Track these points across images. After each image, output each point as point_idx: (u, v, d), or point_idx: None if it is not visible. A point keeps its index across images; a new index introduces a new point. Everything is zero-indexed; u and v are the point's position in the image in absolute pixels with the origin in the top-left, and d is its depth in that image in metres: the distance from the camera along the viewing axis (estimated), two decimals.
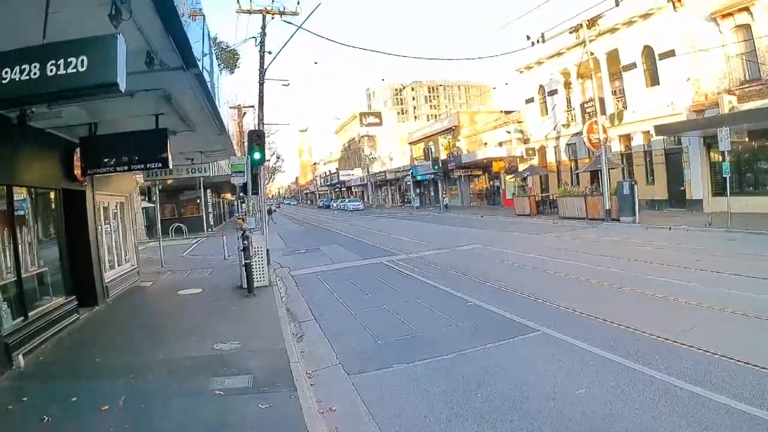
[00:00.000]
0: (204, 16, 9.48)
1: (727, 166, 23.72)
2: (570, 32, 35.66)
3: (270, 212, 62.70)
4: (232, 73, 33.35)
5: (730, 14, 28.19)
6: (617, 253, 18.47)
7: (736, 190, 26.71)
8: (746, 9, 27.28)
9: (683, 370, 7.17)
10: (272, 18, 25.39)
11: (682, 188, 32.27)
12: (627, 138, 36.55)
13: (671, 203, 33.18)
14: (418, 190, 76.98)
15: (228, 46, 35.04)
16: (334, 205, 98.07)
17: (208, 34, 10.65)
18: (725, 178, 23.86)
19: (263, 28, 25.35)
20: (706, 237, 21.68)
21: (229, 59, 37.75)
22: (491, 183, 59.11)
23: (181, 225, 39.42)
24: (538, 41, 36.31)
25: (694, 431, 5.62)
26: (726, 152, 23.75)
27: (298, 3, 24.92)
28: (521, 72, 46.52)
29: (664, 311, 10.44)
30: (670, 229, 24.84)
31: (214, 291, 16.38)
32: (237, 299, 14.77)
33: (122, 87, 5.74)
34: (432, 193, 71.47)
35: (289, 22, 24.99)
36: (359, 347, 9.83)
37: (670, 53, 31.72)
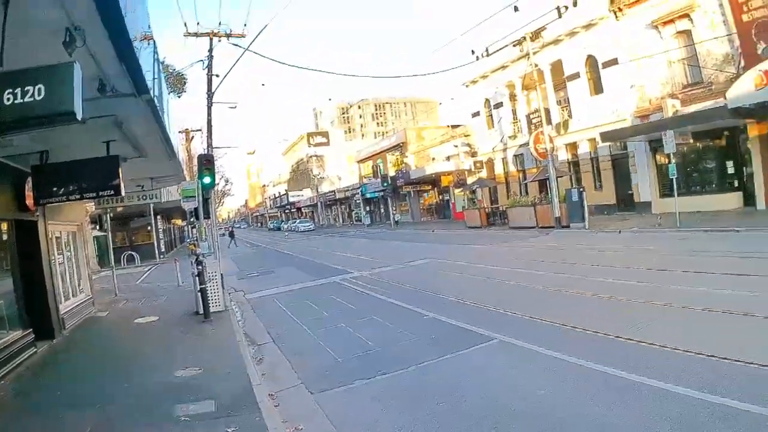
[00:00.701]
0: (154, 40, 9.21)
1: (673, 167, 24.19)
2: (514, 45, 35.50)
3: (232, 235, 61.94)
4: (180, 97, 32.46)
5: (671, 21, 28.66)
6: (570, 259, 18.49)
7: (683, 191, 27.22)
8: (686, 15, 27.77)
9: (638, 366, 7.23)
10: (219, 41, 24.96)
11: (630, 192, 32.52)
12: (573, 146, 36.76)
13: (620, 207, 33.32)
14: (368, 208, 76.56)
15: (175, 70, 34.24)
16: (285, 226, 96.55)
17: (158, 59, 10.38)
18: (672, 179, 24.24)
19: (210, 50, 24.95)
20: (657, 237, 21.76)
21: (177, 83, 36.83)
22: (441, 197, 58.79)
23: (133, 253, 38.11)
24: (482, 55, 36.39)
25: (651, 419, 5.74)
26: (672, 154, 24.16)
27: (245, 25, 24.74)
28: (467, 86, 46.62)
29: (621, 312, 10.48)
30: (620, 232, 24.86)
31: (170, 318, 15.84)
32: (194, 325, 14.33)
33: (79, 116, 5.75)
34: (382, 210, 71.08)
35: (237, 45, 24.58)
36: (320, 366, 9.62)
37: (613, 61, 32.07)
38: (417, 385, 7.86)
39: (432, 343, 9.90)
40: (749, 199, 26.38)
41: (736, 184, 27.36)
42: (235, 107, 32.66)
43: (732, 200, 27.00)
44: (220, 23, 24.37)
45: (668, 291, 11.35)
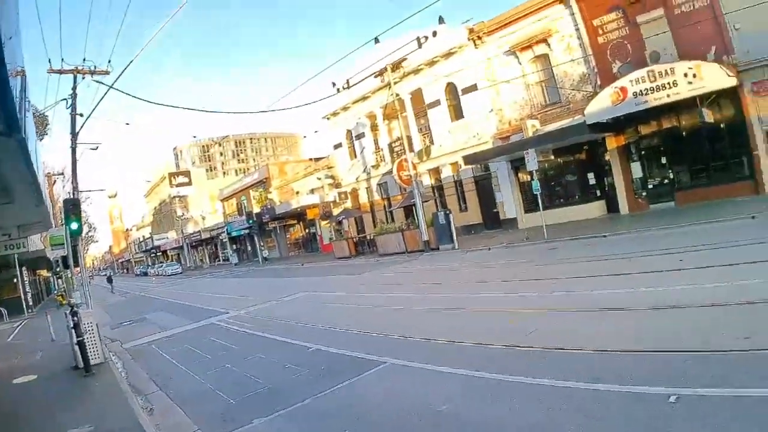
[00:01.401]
0: (26, 75, 7.77)
1: (536, 183, 23.70)
2: (375, 76, 34.18)
3: (110, 280, 56.60)
4: (41, 139, 28.11)
5: (529, 47, 28.73)
6: (443, 279, 18.24)
7: (548, 204, 26.97)
8: (544, 40, 28.01)
9: (529, 369, 7.18)
10: (83, 78, 21.83)
11: (496, 210, 31.98)
12: (437, 171, 35.56)
13: (487, 225, 32.67)
14: (235, 246, 72.02)
15: (37, 110, 29.70)
16: (152, 271, 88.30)
17: (28, 96, 8.48)
18: (536, 195, 23.94)
19: (74, 88, 21.77)
20: (527, 251, 21.19)
21: (39, 124, 32.12)
22: (307, 230, 56.07)
23: (1, 309, 32.69)
24: (343, 88, 34.69)
25: (540, 412, 5.79)
26: (534, 171, 23.77)
27: (109, 61, 21.50)
28: (328, 119, 44.10)
29: (502, 323, 10.22)
30: (489, 249, 24.03)
31: (50, 375, 13.43)
32: (77, 380, 12.21)
33: None
34: (249, 248, 67.31)
35: (100, 82, 21.51)
36: (214, 409, 8.47)
37: (473, 87, 31.36)
38: (317, 416, 7.31)
39: (323, 374, 9.12)
40: (613, 207, 26.80)
41: (598, 193, 27.78)
42: (97, 148, 28.60)
43: (596, 209, 27.45)
44: (84, 59, 21.26)
45: (545, 298, 11.42)
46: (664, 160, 25.18)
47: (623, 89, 22.45)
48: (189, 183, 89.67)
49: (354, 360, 9.59)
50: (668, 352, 6.76)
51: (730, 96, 22.22)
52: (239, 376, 10.27)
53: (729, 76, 20.80)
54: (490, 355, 8.19)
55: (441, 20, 32.96)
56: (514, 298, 12.16)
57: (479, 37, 30.71)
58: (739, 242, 13.09)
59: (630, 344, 7.26)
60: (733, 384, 5.37)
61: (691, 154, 24.10)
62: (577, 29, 26.51)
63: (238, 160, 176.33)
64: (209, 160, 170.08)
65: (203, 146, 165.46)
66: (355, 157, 43.21)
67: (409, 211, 35.25)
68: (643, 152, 25.72)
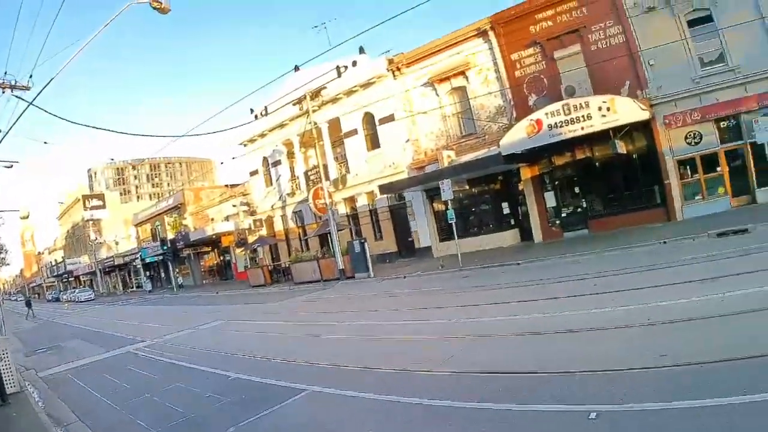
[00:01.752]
0: None
1: (451, 212, 23.02)
2: (294, 104, 32.34)
3: (29, 304, 50.94)
4: None
5: (447, 79, 27.93)
6: (360, 307, 17.79)
7: (462, 233, 25.78)
8: (462, 73, 27.40)
9: (451, 393, 7.02)
10: (2, 92, 19.08)
11: (411, 239, 30.58)
12: (352, 200, 33.65)
13: (402, 254, 31.11)
14: (148, 273, 66.35)
15: None
16: (65, 297, 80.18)
17: None
18: (451, 223, 23.23)
19: None
20: (442, 279, 20.55)
21: None
22: (222, 258, 52.66)
23: None
24: (261, 114, 32.71)
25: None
26: (449, 201, 23.07)
27: (31, 77, 18.69)
28: (245, 145, 41.12)
29: (418, 349, 10.11)
30: (404, 277, 22.95)
31: None
32: None
33: None
34: (163, 275, 62.53)
35: (20, 98, 18.83)
36: None
37: (390, 118, 29.89)
38: None
39: (244, 402, 8.65)
40: (527, 235, 26.32)
41: (512, 222, 27.30)
42: (12, 166, 25.23)
43: (510, 237, 26.82)
44: (6, 72, 18.45)
45: (463, 325, 11.26)
46: (577, 190, 25.00)
47: (538, 122, 21.93)
48: (103, 206, 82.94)
49: (274, 388, 9.12)
50: (586, 372, 6.70)
51: (644, 128, 22.43)
52: (160, 405, 9.62)
53: (642, 109, 20.91)
54: (409, 381, 8.03)
55: (361, 50, 31.46)
56: (432, 325, 11.95)
57: (398, 68, 29.47)
58: (653, 266, 13.34)
59: (549, 366, 7.17)
60: (652, 399, 5.45)
61: (605, 184, 24.21)
62: (495, 63, 26.07)
63: (153, 184, 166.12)
64: (124, 183, 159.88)
65: (118, 169, 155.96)
66: (271, 184, 40.55)
67: (324, 239, 33.36)
68: (556, 182, 25.42)
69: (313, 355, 11.14)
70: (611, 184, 23.92)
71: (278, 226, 40.82)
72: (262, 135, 39.12)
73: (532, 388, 6.61)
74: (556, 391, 6.31)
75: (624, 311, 9.41)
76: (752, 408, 4.86)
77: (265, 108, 32.32)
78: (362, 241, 27.16)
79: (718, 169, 21.84)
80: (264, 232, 42.07)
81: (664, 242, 17.24)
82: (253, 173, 42.32)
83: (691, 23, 21.77)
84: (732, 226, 16.79)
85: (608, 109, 20.55)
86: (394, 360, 9.25)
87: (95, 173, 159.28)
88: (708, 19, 21.42)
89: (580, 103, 21.11)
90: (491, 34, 25.97)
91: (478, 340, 9.73)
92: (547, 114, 21.82)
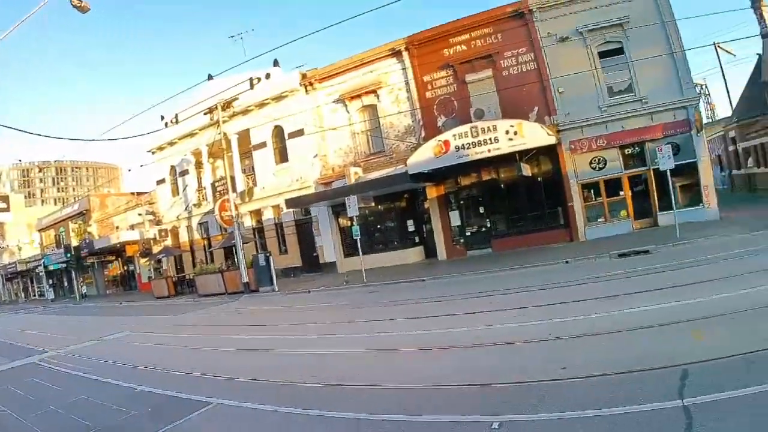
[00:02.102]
0: None
1: (356, 228, 22.14)
2: (205, 113, 30.16)
3: None
4: None
5: (358, 96, 26.76)
6: (265, 321, 17.05)
7: (367, 249, 24.75)
8: (373, 92, 26.41)
9: (353, 405, 6.75)
10: None
11: (316, 254, 28.77)
12: (258, 213, 31.43)
13: (306, 269, 29.20)
14: (51, 281, 59.57)
15: None
16: None
17: None
18: (356, 239, 22.21)
19: None
20: (348, 294, 19.71)
21: None
22: (126, 268, 48.45)
23: None
24: (172, 122, 30.45)
25: None
26: (355, 217, 21.99)
27: None
28: (153, 153, 37.82)
29: (322, 363, 9.66)
30: (309, 292, 21.81)
31: None
32: None
33: None
34: (66, 283, 56.55)
35: None
36: None
37: (300, 132, 28.08)
38: None
39: (151, 415, 7.94)
40: (431, 253, 25.58)
41: (417, 240, 26.51)
42: None
43: (415, 254, 26.03)
44: None
45: (368, 339, 10.90)
46: (482, 210, 24.55)
47: (446, 142, 21.40)
48: (7, 209, 75.64)
49: (180, 401, 8.55)
50: (492, 384, 6.63)
51: (550, 153, 22.19)
52: (65, 418, 8.80)
53: (549, 134, 20.70)
54: (311, 392, 7.74)
55: (276, 63, 29.48)
56: (337, 340, 11.49)
57: (311, 84, 27.81)
58: (553, 284, 13.30)
59: (453, 379, 7.02)
60: (551, 410, 5.44)
61: (510, 205, 23.87)
62: (407, 83, 25.23)
63: (59, 189, 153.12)
64: (29, 186, 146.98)
65: (24, 170, 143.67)
66: (178, 194, 37.41)
67: (229, 252, 30.97)
68: (462, 202, 24.92)
69: (217, 367, 10.61)
70: (516, 205, 23.64)
71: (183, 237, 37.78)
72: (171, 143, 36.11)
73: (433, 400, 6.52)
74: (457, 402, 6.30)
75: (526, 327, 9.33)
76: (631, 418, 5.00)
77: (176, 116, 30.08)
78: (267, 254, 25.47)
79: (621, 193, 22.11)
80: (169, 242, 38.79)
81: (566, 262, 17.09)
82: (160, 182, 39.18)
83: (603, 54, 22.15)
84: (633, 247, 16.92)
85: (515, 133, 20.37)
86: (299, 373, 8.85)
87: (0, 174, 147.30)
88: (619, 51, 21.90)
89: (488, 126, 20.80)
90: (405, 54, 25.09)
91: (383, 353, 9.44)
92: (455, 135, 21.33)
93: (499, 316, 10.63)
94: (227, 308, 21.99)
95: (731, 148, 38.04)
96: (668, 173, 18.63)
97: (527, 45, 22.82)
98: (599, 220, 22.33)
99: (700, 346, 6.79)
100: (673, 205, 18.92)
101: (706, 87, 56.75)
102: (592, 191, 22.44)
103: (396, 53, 25.32)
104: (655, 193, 21.45)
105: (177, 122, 30.43)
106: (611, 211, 22.25)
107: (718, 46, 42.45)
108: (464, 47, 23.96)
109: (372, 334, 11.34)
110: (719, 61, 36.32)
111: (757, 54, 34.11)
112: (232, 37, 78.33)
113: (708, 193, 21.13)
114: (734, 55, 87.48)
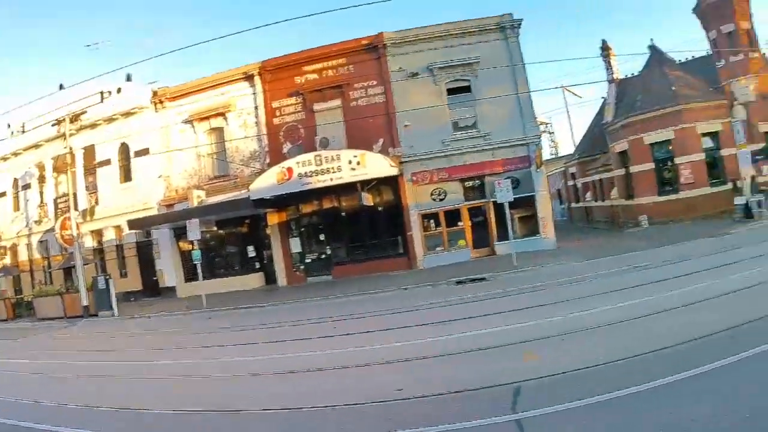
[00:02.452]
0: None
1: (197, 253, 21.32)
2: (53, 125, 28.27)
3: None
4: None
5: (207, 118, 26.29)
6: (98, 347, 15.84)
7: (208, 274, 24.09)
8: (222, 114, 26.04)
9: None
10: None
11: (155, 278, 27.60)
12: (99, 233, 29.71)
13: (146, 293, 27.84)
14: None
15: None
16: None
17: None
18: (196, 264, 21.55)
19: None
20: (188, 320, 19.14)
21: None
22: None
23: None
24: (18, 131, 28.44)
25: None
26: (196, 241, 21.51)
27: None
28: None
29: (170, 389, 9.03)
30: (149, 317, 20.95)
31: None
32: None
33: None
34: None
35: None
36: None
37: (146, 151, 27.03)
38: None
39: None
40: (271, 279, 25.34)
41: (258, 266, 26.02)
42: None
43: (255, 280, 25.63)
44: None
45: (215, 364, 10.37)
46: (323, 237, 24.69)
47: (290, 170, 21.58)
48: None
49: (15, 429, 7.75)
50: (320, 407, 6.62)
51: (392, 183, 22.95)
52: None
53: (392, 166, 21.53)
54: (161, 419, 7.27)
55: (128, 78, 28.04)
56: (185, 365, 10.80)
57: (161, 102, 26.88)
58: (391, 310, 13.59)
59: (283, 402, 7.03)
60: (388, 427, 5.53)
61: (350, 233, 24.18)
62: (257, 108, 25.20)
63: None
64: None
65: None
66: (19, 209, 34.88)
67: (69, 273, 28.89)
68: (303, 229, 25.00)
69: (53, 394, 9.61)
70: (357, 233, 24.04)
71: (23, 256, 34.78)
72: (16, 154, 33.52)
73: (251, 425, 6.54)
74: (284, 427, 6.31)
75: (362, 351, 9.51)
76: None
77: (23, 125, 28.11)
78: (107, 277, 24.04)
79: (461, 223, 23.14)
80: (8, 260, 36.14)
81: (405, 288, 17.53)
82: (1, 195, 36.12)
83: (451, 91, 23.23)
84: (471, 275, 17.58)
85: (358, 163, 20.90)
86: (137, 400, 8.31)
87: None
88: (467, 89, 23.07)
89: (332, 156, 21.24)
90: (257, 79, 25.09)
91: (220, 379, 9.26)
92: (298, 163, 21.50)
93: (338, 341, 10.74)
94: (65, 333, 20.47)
95: (571, 182, 40.77)
96: (506, 205, 19.64)
97: (378, 78, 23.54)
98: (438, 249, 23.14)
99: (532, 365, 7.09)
100: (510, 235, 20.02)
101: (551, 125, 60.72)
102: (432, 221, 23.26)
103: (248, 77, 25.22)
104: (494, 224, 22.62)
105: (24, 132, 28.38)
106: (450, 240, 23.16)
107: (566, 89, 45.79)
108: (316, 76, 24.31)
109: (202, 359, 11.13)
110: (565, 102, 38.98)
111: (602, 97, 36.74)
112: (88, 46, 74.05)
113: (546, 224, 22.68)
114: (580, 97, 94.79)
